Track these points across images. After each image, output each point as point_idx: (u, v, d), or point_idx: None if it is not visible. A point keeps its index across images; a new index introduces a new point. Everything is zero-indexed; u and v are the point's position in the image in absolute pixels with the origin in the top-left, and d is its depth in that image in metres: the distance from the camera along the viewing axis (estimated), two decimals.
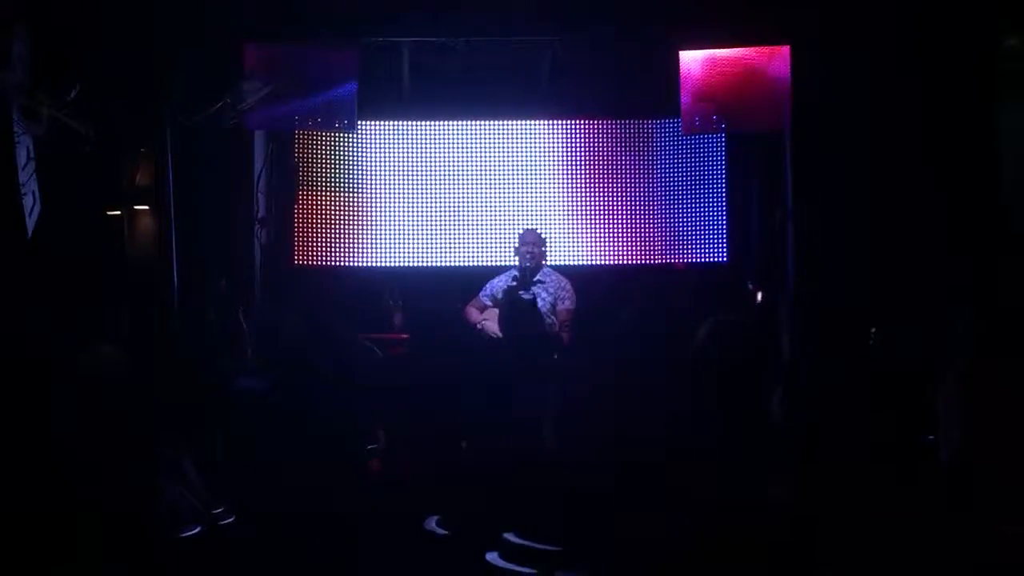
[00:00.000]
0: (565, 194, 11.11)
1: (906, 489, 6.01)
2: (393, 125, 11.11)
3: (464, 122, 11.16)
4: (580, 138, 11.18)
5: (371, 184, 11.08)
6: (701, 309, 8.23)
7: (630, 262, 11.06)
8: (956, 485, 5.78)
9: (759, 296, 10.05)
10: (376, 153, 11.09)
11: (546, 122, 11.18)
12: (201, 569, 6.03)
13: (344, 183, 11.02)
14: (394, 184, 11.09)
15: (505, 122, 11.17)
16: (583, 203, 11.10)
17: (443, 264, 11.02)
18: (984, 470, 5.71)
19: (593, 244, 11.06)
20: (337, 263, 10.94)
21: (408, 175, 11.11)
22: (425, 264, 11.02)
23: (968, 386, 5.87)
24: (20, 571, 5.36)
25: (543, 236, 9.77)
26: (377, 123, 11.02)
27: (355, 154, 11.04)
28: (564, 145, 11.17)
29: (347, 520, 6.66)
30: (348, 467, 7.21)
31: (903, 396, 6.97)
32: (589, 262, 10.98)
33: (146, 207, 10.56)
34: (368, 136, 11.02)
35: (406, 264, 11.00)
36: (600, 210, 11.09)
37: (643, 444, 6.02)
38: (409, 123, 11.12)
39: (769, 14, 10.02)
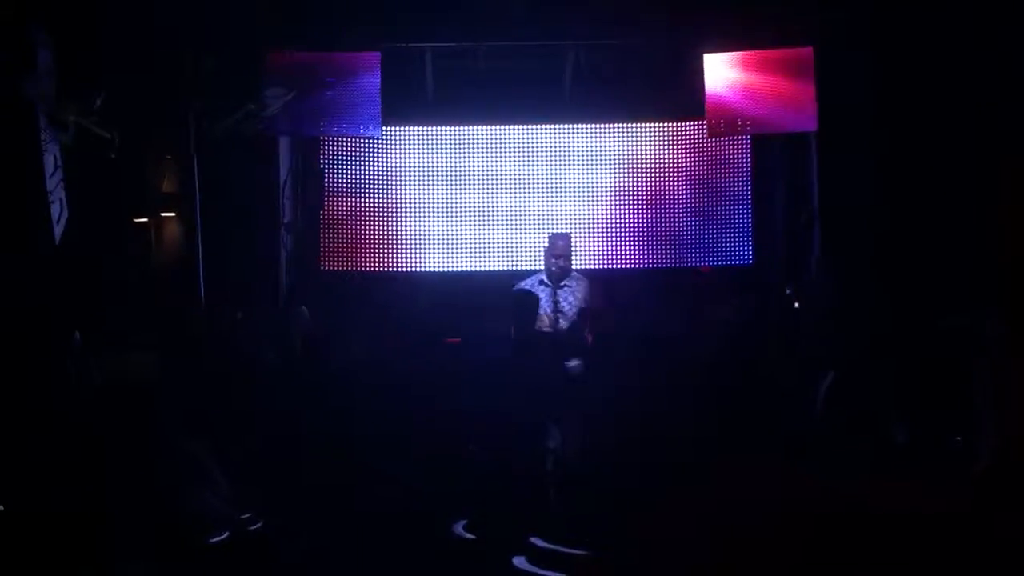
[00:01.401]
0: (589, 198, 11.10)
1: (937, 486, 6.01)
2: (417, 130, 11.13)
3: (488, 127, 11.16)
4: (604, 142, 11.17)
5: (396, 188, 11.10)
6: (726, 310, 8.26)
7: (655, 265, 11.03)
8: (992, 483, 5.76)
9: (796, 303, 9.98)
10: (401, 158, 11.11)
11: (570, 126, 11.18)
12: (228, 574, 6.05)
13: (369, 188, 11.04)
14: (419, 189, 11.11)
15: (529, 126, 11.16)
16: (607, 207, 11.08)
17: (468, 268, 11.02)
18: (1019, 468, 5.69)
19: (618, 247, 11.04)
20: (363, 267, 10.95)
21: (433, 179, 11.13)
22: (450, 269, 11.02)
23: (1002, 386, 5.85)
24: (47, 571, 5.40)
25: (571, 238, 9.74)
26: (401, 128, 11.03)
27: (380, 159, 11.06)
28: (588, 149, 11.17)
29: (374, 525, 6.66)
30: (375, 472, 7.22)
31: (931, 395, 6.95)
32: (614, 265, 10.96)
33: (172, 214, 10.60)
34: (392, 141, 11.03)
35: (432, 269, 11.00)
36: (625, 213, 11.08)
37: (671, 446, 6.02)
38: (433, 128, 11.14)
39: (793, 17, 10.00)
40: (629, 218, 11.08)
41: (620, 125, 11.17)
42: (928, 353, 7.81)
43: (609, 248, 11.05)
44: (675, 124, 11.15)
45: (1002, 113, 9.53)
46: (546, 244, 9.28)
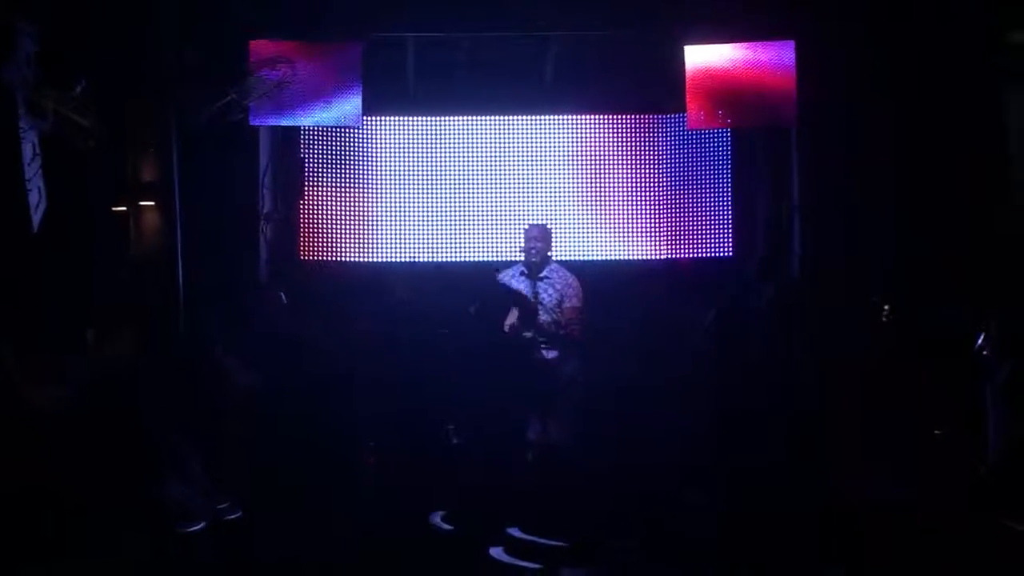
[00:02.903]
0: (570, 190, 11.11)
1: (914, 481, 6.02)
2: (398, 121, 11.12)
3: (469, 118, 11.16)
4: (585, 134, 11.18)
5: (376, 179, 11.09)
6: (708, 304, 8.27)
7: (636, 257, 11.04)
8: (998, 482, 5.79)
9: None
10: (381, 148, 11.11)
11: (551, 118, 11.18)
12: (206, 563, 6.04)
13: (350, 178, 11.03)
14: (399, 179, 11.11)
15: (510, 118, 11.17)
16: (588, 199, 11.10)
17: (448, 259, 11.01)
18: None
19: (599, 239, 11.05)
20: (342, 258, 10.94)
21: (413, 170, 11.12)
22: (430, 259, 11.00)
23: (1011, 388, 5.88)
24: (25, 565, 5.38)
25: (550, 230, 9.74)
26: (382, 118, 11.03)
27: (360, 149, 11.05)
28: (569, 141, 11.17)
29: (352, 515, 6.67)
30: (351, 462, 7.22)
31: (912, 388, 6.97)
32: (595, 257, 10.96)
33: (151, 203, 10.56)
34: (373, 131, 11.03)
35: (411, 260, 10.98)
36: (605, 206, 11.09)
37: (647, 444, 6.03)
38: (414, 119, 11.13)
39: (774, 9, 10.02)
40: (608, 210, 11.08)
41: (601, 116, 11.18)
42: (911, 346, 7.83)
43: (589, 240, 11.04)
44: (656, 116, 11.16)
45: (980, 105, 9.59)
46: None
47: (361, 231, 11.01)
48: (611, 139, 11.15)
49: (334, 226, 10.95)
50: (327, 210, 10.94)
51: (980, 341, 6.44)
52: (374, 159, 11.10)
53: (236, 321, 8.37)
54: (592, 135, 11.17)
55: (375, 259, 11.02)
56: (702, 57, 10.15)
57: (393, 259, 11.03)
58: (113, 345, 7.69)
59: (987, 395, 6.07)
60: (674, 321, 7.59)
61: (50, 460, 5.93)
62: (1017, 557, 5.30)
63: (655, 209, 11.07)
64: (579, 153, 11.15)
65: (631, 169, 11.13)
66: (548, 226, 9.63)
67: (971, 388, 6.35)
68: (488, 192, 11.11)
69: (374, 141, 11.08)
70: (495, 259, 10.51)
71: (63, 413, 6.25)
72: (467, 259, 10.97)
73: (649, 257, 11.06)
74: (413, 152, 11.13)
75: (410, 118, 11.12)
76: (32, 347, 6.96)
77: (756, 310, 8.77)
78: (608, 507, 5.98)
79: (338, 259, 10.93)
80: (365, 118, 10.42)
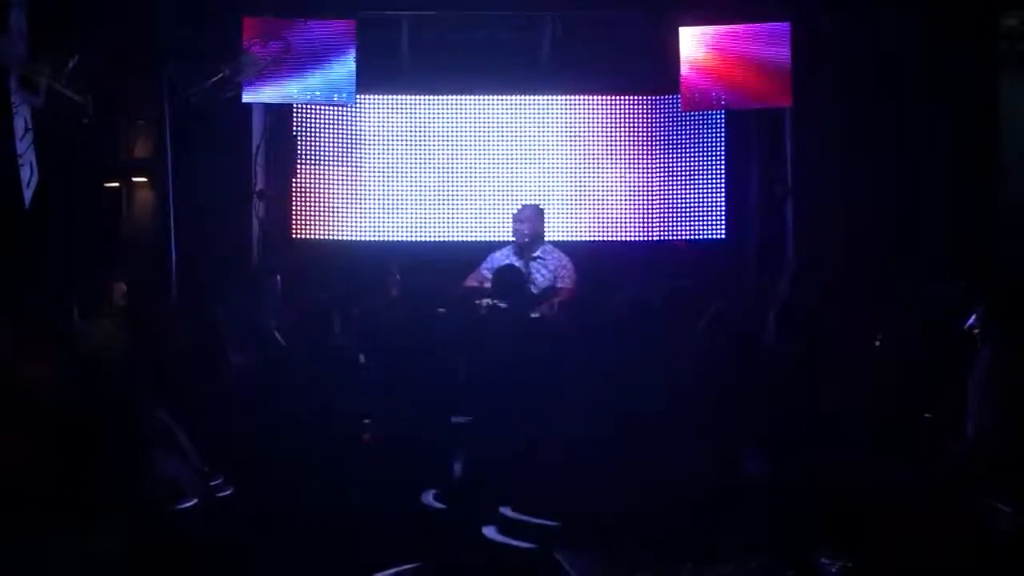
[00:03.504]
0: (564, 170, 11.07)
1: (912, 466, 6.03)
2: (392, 99, 11.06)
3: (463, 97, 11.10)
4: (580, 114, 11.13)
5: (370, 157, 11.04)
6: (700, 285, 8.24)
7: (629, 238, 11.03)
8: (978, 468, 5.78)
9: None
10: (375, 126, 11.04)
11: (546, 98, 11.12)
12: (198, 541, 6.03)
13: (343, 156, 10.99)
14: (393, 157, 11.05)
15: (505, 97, 11.11)
16: (582, 179, 11.05)
17: (443, 239, 10.98)
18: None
19: (592, 220, 11.02)
20: (335, 236, 10.90)
21: (407, 149, 11.06)
22: (424, 239, 10.98)
23: (993, 376, 5.86)
24: (16, 543, 5.36)
25: (542, 211, 9.73)
26: (376, 97, 10.97)
27: (354, 127, 11.00)
28: (564, 121, 11.12)
29: (343, 493, 6.66)
30: (343, 440, 7.21)
31: (903, 374, 6.97)
32: (588, 238, 10.95)
33: (144, 179, 10.54)
34: (367, 109, 10.98)
35: (405, 239, 10.97)
36: (599, 186, 11.04)
37: (641, 419, 6.02)
38: (408, 97, 11.07)
39: None
40: (601, 190, 11.04)
41: (595, 97, 11.13)
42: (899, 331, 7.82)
43: (583, 220, 11.02)
44: (650, 97, 11.10)
45: (976, 89, 9.60)
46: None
47: (354, 210, 10.97)
48: (606, 119, 11.10)
49: (327, 205, 10.91)
50: (320, 188, 10.89)
51: (971, 320, 6.42)
52: (367, 138, 11.04)
53: (230, 301, 8.35)
54: (587, 116, 11.12)
55: (368, 238, 10.98)
56: (697, 38, 10.14)
57: (387, 238, 10.98)
58: (103, 324, 7.67)
59: (968, 379, 6.06)
60: (666, 300, 7.55)
61: (42, 439, 5.91)
62: (1000, 537, 5.30)
63: (648, 190, 11.04)
64: (573, 133, 11.10)
65: (624, 150, 11.09)
66: (540, 206, 9.63)
67: (958, 369, 6.35)
68: (480, 172, 11.05)
69: (368, 119, 11.02)
70: (489, 239, 10.51)
71: (54, 392, 6.23)
72: (462, 239, 10.93)
73: (641, 238, 11.04)
74: (407, 131, 11.07)
75: (404, 97, 11.06)
76: (21, 326, 6.95)
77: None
78: (603, 486, 5.96)
79: (331, 238, 10.89)
80: (359, 96, 10.37)
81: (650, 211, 11.04)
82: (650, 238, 11.04)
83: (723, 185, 10.87)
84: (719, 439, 6.04)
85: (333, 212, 10.92)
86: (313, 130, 10.89)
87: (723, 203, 10.86)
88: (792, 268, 8.78)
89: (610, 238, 11.02)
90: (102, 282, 8.34)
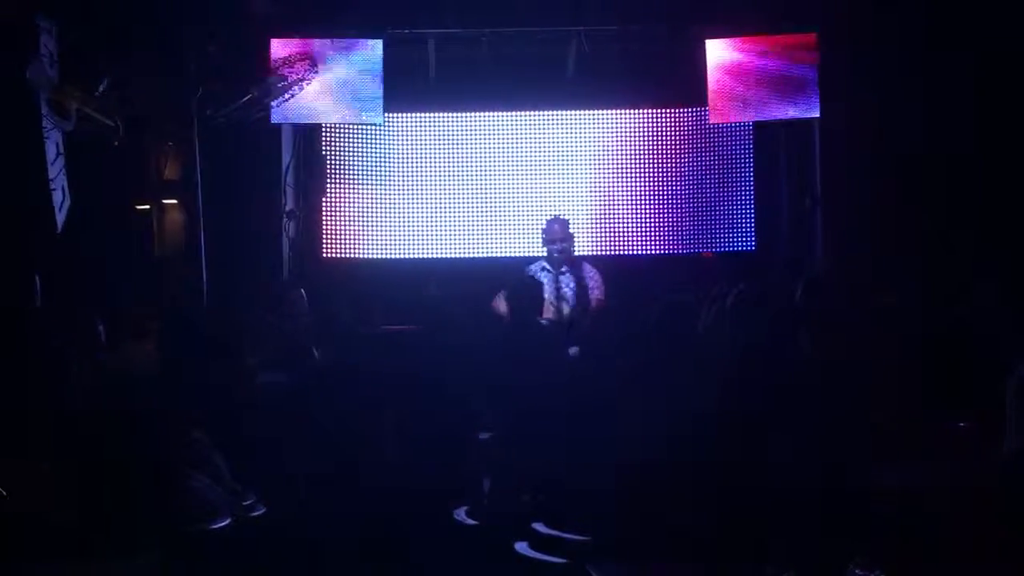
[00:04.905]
0: (592, 185, 11.08)
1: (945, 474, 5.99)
2: (420, 117, 11.09)
3: (490, 113, 11.13)
4: (607, 128, 11.14)
5: (399, 175, 11.08)
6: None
7: (659, 251, 11.02)
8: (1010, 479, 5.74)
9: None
10: (403, 145, 11.08)
11: (572, 112, 11.14)
12: (231, 560, 6.05)
13: (372, 175, 11.03)
14: (422, 175, 11.08)
15: (531, 113, 11.14)
16: (610, 192, 11.06)
17: (472, 256, 10.99)
18: None
19: (621, 233, 11.03)
20: (366, 255, 10.93)
21: (435, 166, 11.10)
22: (454, 256, 11.00)
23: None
24: (50, 561, 5.40)
25: (567, 222, 9.71)
26: (404, 115, 11.00)
27: (382, 146, 11.04)
28: (591, 135, 11.13)
29: (376, 511, 6.67)
30: (375, 458, 7.21)
31: (930, 383, 6.93)
32: (618, 252, 10.94)
33: (174, 201, 10.61)
34: (395, 128, 11.02)
35: (435, 256, 10.99)
36: (627, 200, 11.05)
37: (672, 441, 6.00)
38: (436, 115, 11.10)
39: (796, 2, 10.00)
40: (631, 204, 11.05)
41: (622, 111, 11.14)
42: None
43: (612, 234, 11.02)
44: (677, 110, 11.11)
45: (1007, 98, 9.55)
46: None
47: (384, 228, 11.00)
48: (633, 133, 11.11)
49: (357, 224, 10.94)
50: (350, 207, 10.93)
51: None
52: (396, 156, 11.08)
53: (258, 319, 8.39)
54: (614, 129, 11.13)
55: (399, 255, 11.00)
56: (724, 51, 10.14)
57: (418, 255, 11.01)
58: (136, 343, 7.71)
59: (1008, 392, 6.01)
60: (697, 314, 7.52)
61: (78, 457, 5.95)
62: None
63: (677, 203, 11.03)
64: (600, 147, 11.11)
65: (652, 164, 11.09)
66: (564, 217, 9.62)
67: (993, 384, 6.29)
68: (508, 187, 11.07)
69: (396, 138, 11.06)
70: (518, 255, 10.51)
71: (92, 409, 6.28)
72: (494, 255, 10.94)
73: (670, 251, 11.02)
74: (435, 148, 11.11)
75: (432, 114, 11.10)
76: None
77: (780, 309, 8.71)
78: (633, 502, 5.95)
79: (361, 256, 10.91)
80: (387, 115, 10.42)
81: (679, 223, 11.03)
82: (679, 251, 11.03)
83: (751, 196, 10.85)
84: (769, 447, 6.01)
85: (363, 231, 10.95)
86: (342, 149, 10.93)
87: (752, 214, 10.84)
88: (808, 275, 8.75)
89: (638, 251, 11.01)
90: (134, 306, 8.39)
